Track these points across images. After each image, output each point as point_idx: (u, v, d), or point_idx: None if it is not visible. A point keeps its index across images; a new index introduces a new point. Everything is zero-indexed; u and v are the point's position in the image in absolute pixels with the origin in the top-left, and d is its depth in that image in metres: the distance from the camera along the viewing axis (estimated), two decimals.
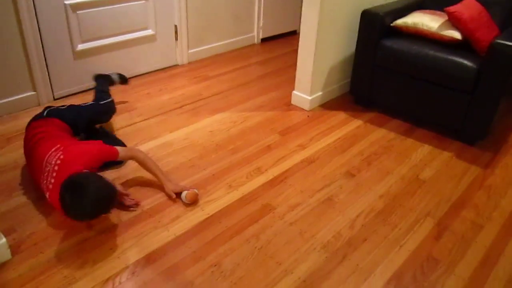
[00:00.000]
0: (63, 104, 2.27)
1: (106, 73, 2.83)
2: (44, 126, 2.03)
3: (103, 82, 2.69)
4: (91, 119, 2.33)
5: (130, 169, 2.23)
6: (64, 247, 1.74)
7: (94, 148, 1.92)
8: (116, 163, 2.25)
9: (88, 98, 2.94)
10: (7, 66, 2.61)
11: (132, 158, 2.06)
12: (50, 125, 2.06)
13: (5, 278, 1.60)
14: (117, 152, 1.95)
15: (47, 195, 1.79)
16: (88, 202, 1.62)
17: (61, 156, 1.79)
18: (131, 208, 1.98)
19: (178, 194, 2.05)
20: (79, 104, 2.33)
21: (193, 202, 2.02)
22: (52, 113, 2.13)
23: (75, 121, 2.18)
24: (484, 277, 1.72)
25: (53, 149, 1.84)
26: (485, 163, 2.46)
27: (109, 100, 2.47)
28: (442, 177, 2.32)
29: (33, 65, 2.71)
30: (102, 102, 2.43)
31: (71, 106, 2.26)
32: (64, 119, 2.13)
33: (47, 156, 1.83)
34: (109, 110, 2.48)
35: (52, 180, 1.75)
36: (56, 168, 1.76)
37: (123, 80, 2.90)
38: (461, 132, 2.62)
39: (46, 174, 1.79)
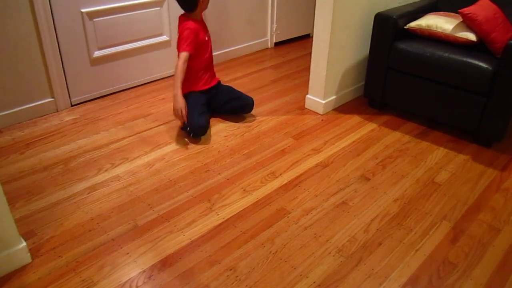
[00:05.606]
0: None
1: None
2: None
3: None
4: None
5: (146, 174, 2.27)
6: (82, 251, 1.78)
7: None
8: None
9: (105, 104, 2.99)
10: (26, 74, 2.68)
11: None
12: None
13: (25, 281, 1.64)
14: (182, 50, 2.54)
15: None
16: None
17: None
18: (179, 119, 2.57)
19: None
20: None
21: None
22: None
23: None
24: (502, 281, 1.70)
25: None
26: (502, 166, 2.43)
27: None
28: (458, 180, 2.30)
29: (51, 72, 2.77)
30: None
31: None
32: None
33: None
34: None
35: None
36: None
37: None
38: (477, 134, 2.60)
39: None
